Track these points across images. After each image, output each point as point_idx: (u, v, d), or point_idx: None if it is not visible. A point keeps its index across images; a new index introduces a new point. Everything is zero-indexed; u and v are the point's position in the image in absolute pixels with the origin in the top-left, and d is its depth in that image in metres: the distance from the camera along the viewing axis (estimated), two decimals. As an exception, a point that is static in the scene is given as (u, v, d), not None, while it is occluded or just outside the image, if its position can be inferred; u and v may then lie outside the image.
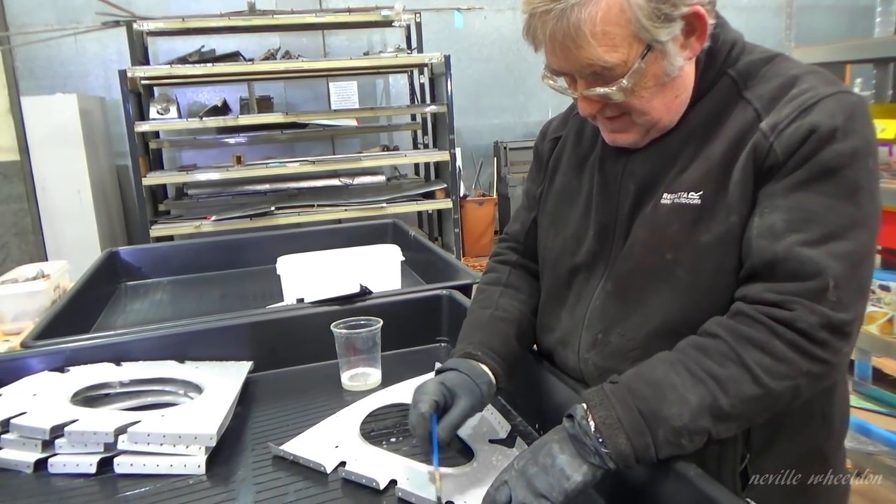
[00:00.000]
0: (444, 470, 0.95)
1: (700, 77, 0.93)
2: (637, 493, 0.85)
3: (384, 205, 4.61)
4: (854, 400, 2.33)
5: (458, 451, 1.06)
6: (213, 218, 4.34)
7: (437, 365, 1.32)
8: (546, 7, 0.83)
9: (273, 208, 4.44)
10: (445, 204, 4.82)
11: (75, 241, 4.84)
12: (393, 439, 1.11)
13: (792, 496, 0.94)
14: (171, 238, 4.29)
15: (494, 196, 5.98)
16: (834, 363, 0.81)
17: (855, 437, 2.13)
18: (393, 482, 0.96)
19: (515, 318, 1.12)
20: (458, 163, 5.00)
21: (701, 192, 0.89)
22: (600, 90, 0.88)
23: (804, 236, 0.81)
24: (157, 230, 4.33)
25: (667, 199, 0.92)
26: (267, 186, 5.00)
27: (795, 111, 0.84)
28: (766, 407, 0.82)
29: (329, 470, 1.01)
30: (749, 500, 0.90)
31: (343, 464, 1.01)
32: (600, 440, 0.78)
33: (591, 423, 0.79)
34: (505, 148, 5.91)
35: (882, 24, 2.20)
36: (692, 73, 0.92)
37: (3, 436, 1.09)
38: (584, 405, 0.82)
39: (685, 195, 0.90)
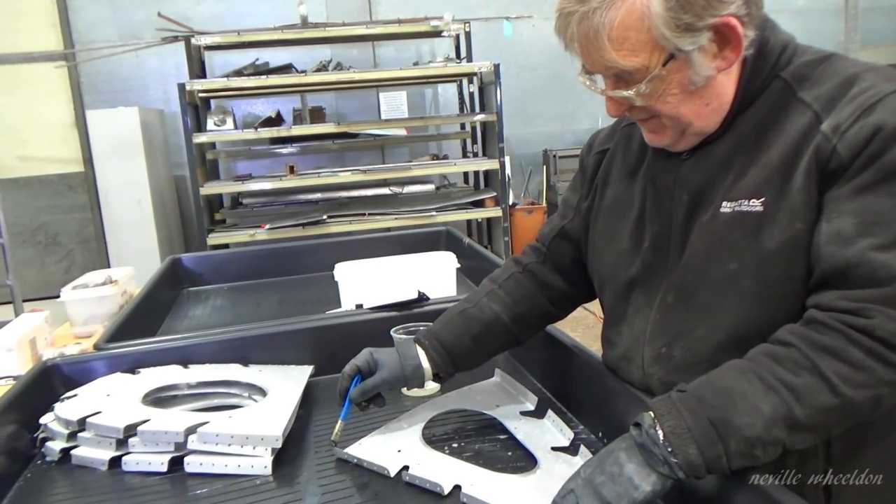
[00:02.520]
0: (508, 475, 0.94)
1: (748, 82, 0.90)
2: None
3: (434, 213, 4.63)
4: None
5: (522, 458, 1.06)
6: (267, 226, 4.44)
7: (497, 371, 1.33)
8: (572, 8, 0.85)
9: (325, 217, 4.52)
10: (495, 212, 4.82)
11: (136, 248, 5.01)
12: (455, 444, 1.11)
13: None
14: (226, 246, 4.39)
15: (544, 204, 5.96)
16: None
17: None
18: (457, 487, 0.96)
19: (486, 319, 1.15)
20: (508, 171, 5.00)
21: (763, 199, 0.87)
22: (622, 92, 0.88)
23: (876, 240, 0.78)
24: (213, 238, 4.44)
25: (727, 207, 0.90)
26: (318, 195, 5.09)
27: (858, 110, 0.82)
28: (845, 417, 0.79)
29: (392, 474, 1.02)
30: None
31: (406, 468, 1.02)
32: (669, 449, 0.77)
33: (660, 432, 0.77)
34: (554, 156, 5.89)
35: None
36: (727, 82, 0.90)
37: (79, 434, 1.13)
38: (652, 413, 0.80)
39: (746, 202, 0.88)
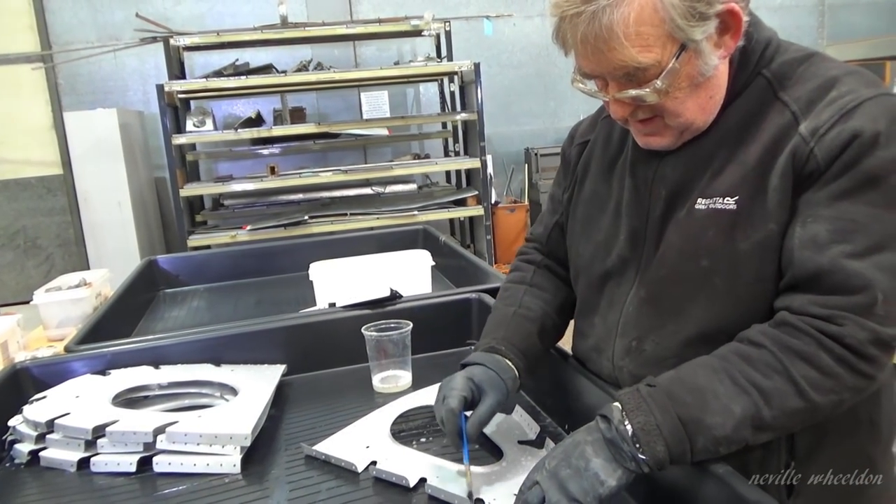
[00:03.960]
0: (473, 468, 0.96)
1: (733, 78, 0.91)
2: (669, 493, 0.84)
3: (416, 212, 4.64)
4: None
5: (488, 451, 1.07)
6: (249, 227, 4.42)
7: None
8: (577, 10, 0.82)
9: (306, 217, 4.50)
10: (477, 211, 4.83)
11: (116, 251, 4.98)
12: (423, 439, 1.12)
13: (840, 502, 0.92)
14: (208, 248, 4.37)
15: (526, 202, 5.98)
16: (878, 377, 0.80)
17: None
18: (423, 480, 0.97)
19: (538, 316, 1.13)
20: (490, 170, 5.01)
21: (736, 198, 0.87)
22: (633, 92, 0.86)
23: (849, 248, 0.79)
24: (194, 240, 4.42)
25: (702, 204, 0.90)
26: (300, 196, 5.08)
27: (836, 115, 0.82)
28: (807, 419, 0.81)
29: (360, 469, 1.03)
30: None
31: (374, 463, 1.02)
32: (637, 446, 0.77)
33: (629, 428, 0.78)
34: (536, 154, 5.91)
35: (919, 20, 2.15)
36: (726, 72, 0.90)
37: (48, 436, 1.13)
38: (619, 406, 0.80)
39: (721, 200, 0.88)
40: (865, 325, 0.77)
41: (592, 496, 0.77)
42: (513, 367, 1.03)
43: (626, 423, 0.78)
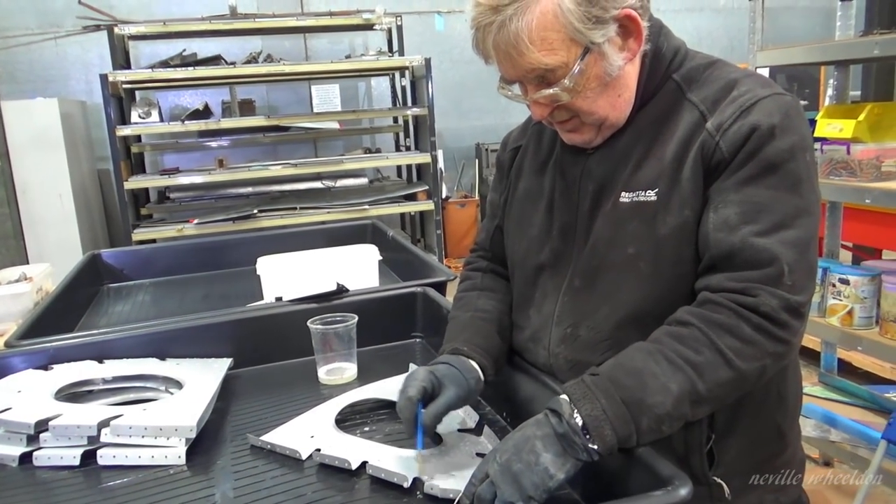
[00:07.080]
0: (414, 451, 1.00)
1: (647, 81, 1.01)
2: (591, 475, 0.88)
3: (366, 207, 4.64)
4: (820, 391, 2.41)
5: (429, 437, 1.11)
6: (196, 221, 4.36)
7: (411, 365, 1.36)
8: (488, 20, 0.92)
9: (256, 211, 4.47)
10: (427, 206, 4.86)
11: (57, 245, 4.84)
12: (367, 428, 1.16)
13: (755, 471, 1.02)
14: (153, 241, 4.29)
15: (476, 197, 6.04)
16: (793, 343, 0.90)
17: (819, 427, 2.20)
18: (365, 463, 1.00)
19: (495, 316, 1.17)
20: (440, 165, 5.05)
21: (656, 190, 0.96)
22: (546, 91, 0.95)
23: (757, 227, 0.89)
24: (139, 234, 4.34)
25: (626, 197, 0.99)
26: (250, 189, 5.02)
27: (737, 111, 0.93)
28: (737, 388, 0.89)
29: (304, 456, 1.05)
30: (715, 477, 0.98)
31: (318, 450, 1.05)
32: (588, 436, 0.82)
33: (578, 420, 0.83)
34: (486, 150, 5.97)
35: (842, 28, 2.28)
36: (634, 73, 1.00)
37: (-12, 431, 1.12)
38: (567, 398, 0.85)
39: (643, 193, 0.97)
40: (776, 293, 0.87)
41: (542, 489, 0.82)
42: (477, 367, 1.06)
43: (576, 414, 0.83)
